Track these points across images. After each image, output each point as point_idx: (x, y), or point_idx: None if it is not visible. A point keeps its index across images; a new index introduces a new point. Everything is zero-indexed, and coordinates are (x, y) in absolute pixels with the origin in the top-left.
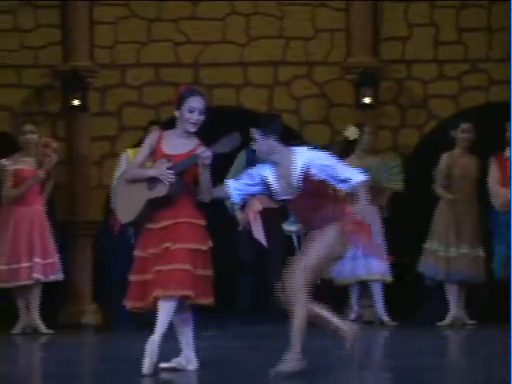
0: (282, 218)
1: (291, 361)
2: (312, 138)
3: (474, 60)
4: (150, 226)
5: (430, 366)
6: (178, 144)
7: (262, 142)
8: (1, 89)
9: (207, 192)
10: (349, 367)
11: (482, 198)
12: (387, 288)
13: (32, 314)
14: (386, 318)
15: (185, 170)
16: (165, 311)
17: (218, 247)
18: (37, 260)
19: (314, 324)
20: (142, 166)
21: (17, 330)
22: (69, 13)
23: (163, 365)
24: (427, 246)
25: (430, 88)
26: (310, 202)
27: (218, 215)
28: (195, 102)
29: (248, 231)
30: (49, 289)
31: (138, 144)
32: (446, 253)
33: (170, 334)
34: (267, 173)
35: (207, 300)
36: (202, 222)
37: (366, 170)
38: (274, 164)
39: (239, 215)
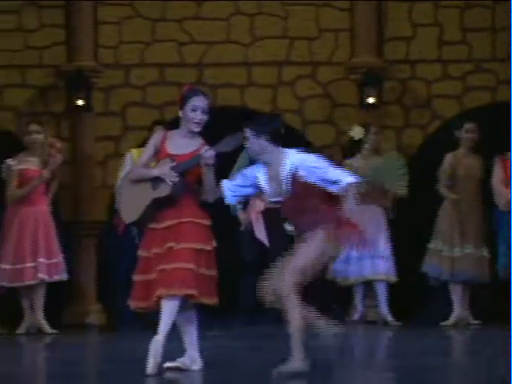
0: (284, 217)
1: (294, 361)
2: (315, 138)
3: (478, 60)
4: (153, 225)
5: (433, 366)
6: (182, 144)
7: (254, 142)
8: (5, 89)
9: (211, 192)
10: (351, 367)
11: (486, 198)
12: (391, 288)
13: (36, 314)
14: (389, 318)
15: (188, 170)
16: (168, 310)
17: (221, 247)
18: (41, 260)
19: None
20: (146, 166)
21: (21, 329)
22: (73, 13)
23: (168, 364)
24: (431, 246)
25: (434, 88)
26: (300, 204)
27: (221, 215)
28: (198, 102)
29: (250, 231)
30: (53, 289)
31: (142, 144)
32: (450, 253)
33: (175, 333)
34: (259, 174)
35: (211, 300)
36: (207, 222)
37: (371, 169)
38: (266, 164)
39: (241, 215)
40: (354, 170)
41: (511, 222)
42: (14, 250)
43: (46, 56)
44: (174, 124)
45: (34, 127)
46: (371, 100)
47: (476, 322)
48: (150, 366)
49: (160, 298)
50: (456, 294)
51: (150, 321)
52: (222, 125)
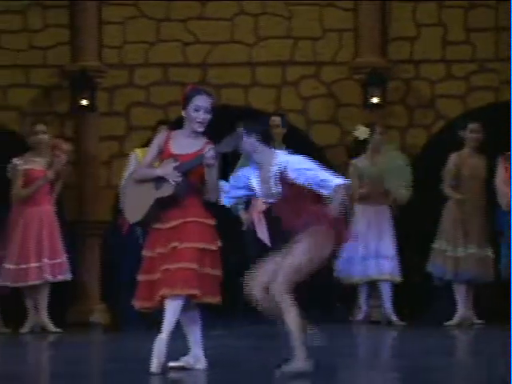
0: (276, 217)
1: (297, 361)
2: (319, 138)
3: (482, 60)
4: (158, 226)
5: (437, 365)
6: (185, 144)
7: (246, 141)
8: (9, 89)
9: (214, 191)
10: (355, 367)
11: (490, 198)
12: (395, 288)
13: (40, 314)
14: (394, 318)
15: (191, 170)
16: (172, 310)
17: (224, 247)
18: (45, 260)
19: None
20: (150, 166)
21: (25, 329)
22: (77, 13)
23: (172, 364)
24: (435, 245)
25: (438, 88)
26: (291, 205)
27: (223, 215)
28: (201, 101)
29: (252, 231)
30: (57, 288)
31: (146, 144)
32: (454, 253)
33: (179, 333)
34: (252, 176)
35: (214, 299)
36: (212, 222)
37: (375, 169)
38: (257, 165)
39: (243, 215)
40: (359, 171)
41: (511, 222)
42: (19, 249)
43: (50, 56)
44: (178, 124)
45: (40, 127)
46: (375, 100)
47: (480, 321)
48: (154, 365)
49: (163, 297)
50: (460, 294)
51: (154, 320)
52: (226, 125)
